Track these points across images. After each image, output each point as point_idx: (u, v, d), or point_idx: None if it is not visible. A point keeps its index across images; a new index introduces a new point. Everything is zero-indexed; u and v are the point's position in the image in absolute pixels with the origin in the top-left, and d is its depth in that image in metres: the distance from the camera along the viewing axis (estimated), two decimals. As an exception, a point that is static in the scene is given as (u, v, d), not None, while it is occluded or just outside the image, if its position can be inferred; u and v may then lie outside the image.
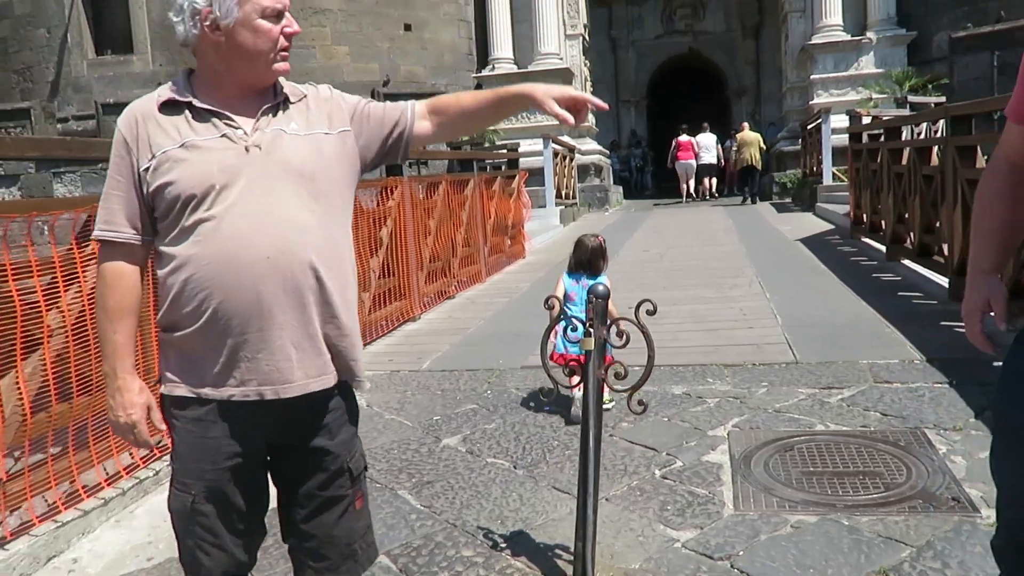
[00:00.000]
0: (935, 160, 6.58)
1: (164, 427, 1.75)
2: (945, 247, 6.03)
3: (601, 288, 2.50)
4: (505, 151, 12.44)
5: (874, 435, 3.40)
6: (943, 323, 5.21)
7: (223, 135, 1.66)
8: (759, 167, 18.00)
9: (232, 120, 1.67)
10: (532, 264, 10.04)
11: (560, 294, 3.99)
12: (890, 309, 5.66)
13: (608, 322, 2.49)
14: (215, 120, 1.67)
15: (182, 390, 1.70)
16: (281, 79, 1.74)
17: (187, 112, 1.67)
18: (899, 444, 3.28)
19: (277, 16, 1.67)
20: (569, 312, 3.52)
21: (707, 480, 3.09)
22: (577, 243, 4.18)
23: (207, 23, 1.63)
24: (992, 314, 1.68)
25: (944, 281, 6.16)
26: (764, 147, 18.08)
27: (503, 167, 11.44)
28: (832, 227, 11.73)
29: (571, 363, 2.59)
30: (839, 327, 5.31)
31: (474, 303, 7.39)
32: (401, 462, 3.50)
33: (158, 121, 1.67)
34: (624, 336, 2.46)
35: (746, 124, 19.30)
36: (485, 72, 19.75)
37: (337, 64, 18.26)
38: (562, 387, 2.63)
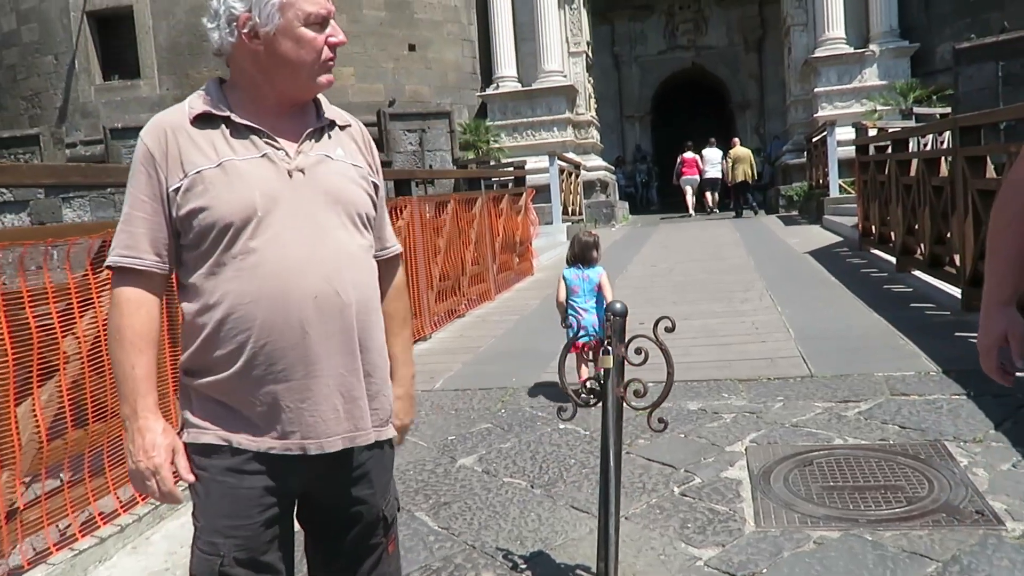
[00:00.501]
0: (944, 171, 6.57)
1: (191, 476, 1.53)
2: (956, 257, 6.00)
3: (619, 306, 2.49)
4: (512, 168, 12.45)
5: (894, 448, 3.38)
6: (957, 334, 5.18)
7: (264, 155, 1.50)
8: (751, 182, 18.83)
9: (274, 140, 1.52)
10: (541, 281, 10.04)
11: (563, 290, 4.59)
12: (903, 321, 5.63)
13: (627, 340, 2.48)
14: (255, 138, 1.51)
15: (210, 437, 1.52)
16: (324, 101, 1.62)
17: (224, 127, 1.51)
18: (919, 457, 3.26)
19: (321, 24, 1.51)
20: (573, 304, 4.44)
21: (727, 497, 3.07)
22: (573, 239, 4.80)
23: (245, 30, 1.48)
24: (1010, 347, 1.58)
25: (956, 292, 6.12)
26: (754, 162, 18.85)
27: (510, 184, 11.48)
28: (840, 239, 11.70)
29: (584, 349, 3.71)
30: (852, 339, 5.29)
31: (484, 321, 7.39)
32: (417, 483, 3.49)
33: (191, 136, 1.50)
34: (643, 353, 2.45)
35: (737, 140, 19.77)
36: (489, 91, 19.84)
37: (342, 85, 18.33)
38: (580, 406, 2.62)
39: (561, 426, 4.00)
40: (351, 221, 1.56)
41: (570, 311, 4.41)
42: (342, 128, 1.64)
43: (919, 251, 7.23)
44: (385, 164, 14.65)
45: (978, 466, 3.12)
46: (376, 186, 1.66)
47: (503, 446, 3.85)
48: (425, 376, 5.31)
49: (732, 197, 19.56)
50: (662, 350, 2.44)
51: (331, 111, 1.63)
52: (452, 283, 7.41)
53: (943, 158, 6.69)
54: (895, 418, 3.72)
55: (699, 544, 2.73)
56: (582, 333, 4.10)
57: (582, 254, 4.56)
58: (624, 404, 2.50)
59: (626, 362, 2.50)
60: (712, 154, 19.68)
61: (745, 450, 3.51)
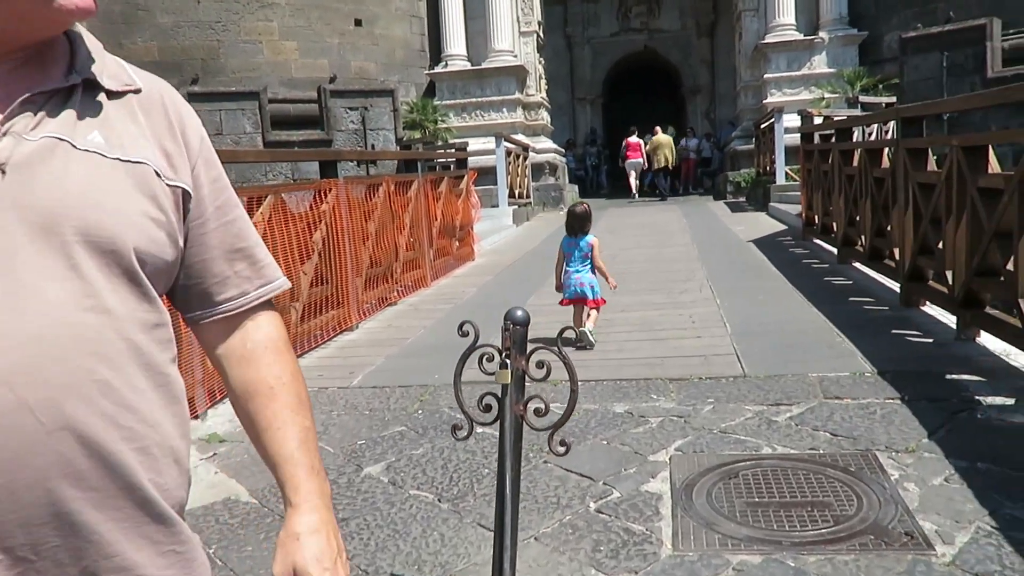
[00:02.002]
0: (886, 162, 6.45)
1: None
2: (896, 251, 5.89)
3: (519, 314, 2.22)
4: (454, 151, 12.12)
5: (823, 459, 3.19)
6: (895, 331, 5.05)
7: None
8: (671, 167, 20.11)
9: None
10: (481, 267, 9.77)
11: (561, 257, 5.41)
12: (841, 316, 5.50)
13: (528, 351, 2.22)
14: None
15: None
16: (89, 44, 0.95)
17: None
18: (849, 470, 3.08)
19: None
20: (567, 268, 5.31)
21: (645, 514, 2.85)
22: (568, 211, 5.48)
23: None
24: None
25: (896, 286, 6.02)
26: (673, 149, 20.03)
27: (452, 167, 11.16)
28: (785, 227, 11.64)
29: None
30: (789, 336, 5.13)
31: (417, 310, 7.10)
32: (316, 495, 3.20)
33: None
34: (545, 367, 2.19)
35: (658, 128, 20.51)
36: (438, 69, 19.40)
37: (285, 60, 17.74)
38: (477, 424, 2.36)
39: (479, 430, 3.74)
40: (98, 267, 0.85)
41: (564, 274, 5.35)
42: (117, 95, 0.95)
43: (860, 243, 7.12)
44: (325, 143, 14.20)
45: (909, 480, 2.95)
46: (187, 195, 0.98)
47: (414, 452, 3.59)
48: (344, 371, 5.02)
49: (682, 180, 20.59)
50: (565, 364, 2.19)
51: (101, 63, 0.94)
52: (384, 270, 7.10)
53: (885, 149, 6.57)
54: (827, 424, 3.54)
55: (610, 570, 2.50)
56: (567, 290, 5.26)
57: (574, 225, 5.34)
58: (524, 424, 2.25)
59: (527, 376, 2.25)
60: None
61: (669, 459, 3.30)
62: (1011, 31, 12.85)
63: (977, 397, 3.72)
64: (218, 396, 4.34)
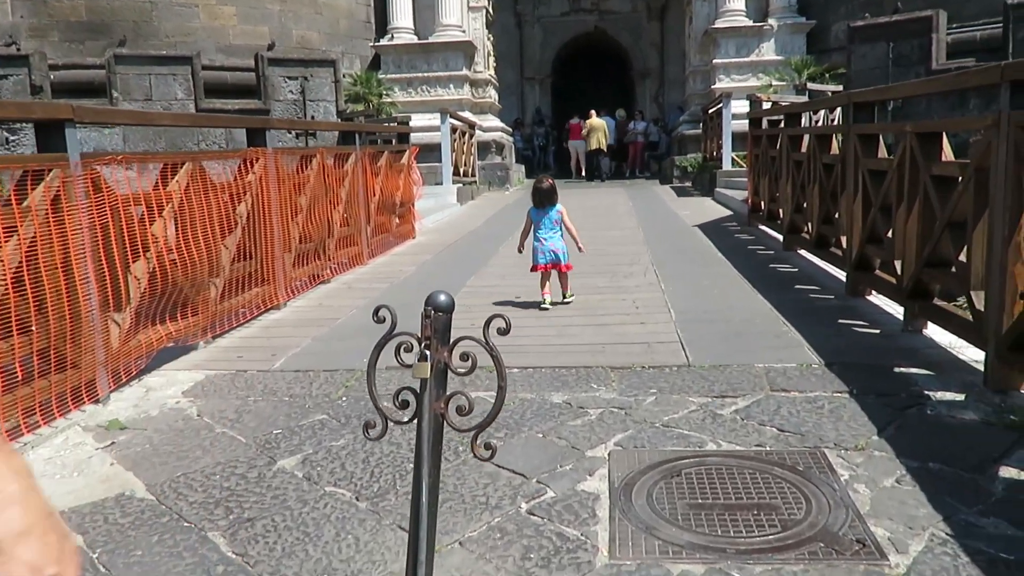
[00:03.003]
0: (835, 148, 6.33)
1: None
2: (843, 239, 5.77)
3: (442, 299, 1.95)
4: (396, 124, 11.73)
5: (770, 457, 3.01)
6: (841, 321, 4.92)
7: None
8: (605, 150, 20.67)
9: None
10: (422, 245, 9.46)
11: (528, 224, 5.69)
12: (787, 304, 5.36)
13: (451, 342, 1.95)
14: None
15: None
16: None
17: None
18: (797, 469, 2.90)
19: None
20: (538, 236, 5.57)
21: (580, 517, 2.62)
22: (534, 188, 5.68)
23: None
24: None
25: (842, 275, 5.92)
26: (607, 132, 20.65)
27: (394, 141, 10.78)
28: (730, 213, 11.58)
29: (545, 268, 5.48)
30: (735, 324, 4.96)
31: (350, 289, 6.76)
32: (222, 492, 2.90)
33: None
34: (470, 360, 1.93)
35: (594, 112, 20.86)
36: (384, 41, 18.89)
37: (222, 26, 17.04)
38: (392, 421, 2.09)
39: (405, 419, 3.47)
40: None
41: (535, 242, 5.57)
42: None
43: (806, 230, 7.02)
44: (262, 113, 13.63)
45: (860, 481, 2.78)
46: None
47: (335, 444, 3.30)
48: (266, 352, 4.69)
49: (586, 163, 21.21)
50: (493, 357, 1.93)
51: None
52: (316, 246, 6.75)
53: (835, 135, 6.45)
54: (773, 419, 3.36)
55: (540, 582, 2.27)
56: (541, 257, 5.53)
57: (542, 200, 5.60)
58: (445, 423, 1.99)
59: (450, 370, 1.98)
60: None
61: (608, 455, 3.08)
62: (954, 25, 12.96)
63: (926, 392, 3.59)
64: (123, 378, 3.98)
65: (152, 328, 4.28)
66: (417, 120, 17.26)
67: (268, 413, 3.68)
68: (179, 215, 4.56)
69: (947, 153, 4.21)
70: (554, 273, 5.66)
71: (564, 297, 5.65)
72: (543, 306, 5.53)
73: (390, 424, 2.07)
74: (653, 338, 4.68)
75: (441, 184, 14.50)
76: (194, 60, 13.09)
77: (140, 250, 4.12)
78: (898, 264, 4.62)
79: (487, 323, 1.91)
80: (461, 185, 15.01)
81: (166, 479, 3.02)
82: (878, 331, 4.65)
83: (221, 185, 5.09)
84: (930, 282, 4.30)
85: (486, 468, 3.00)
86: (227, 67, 15.91)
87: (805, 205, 6.99)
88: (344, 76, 17.06)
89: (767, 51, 17.79)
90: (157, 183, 4.50)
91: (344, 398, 3.85)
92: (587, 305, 5.69)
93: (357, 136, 8.02)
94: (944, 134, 4.27)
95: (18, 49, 14.79)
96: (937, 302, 4.29)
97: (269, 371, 4.33)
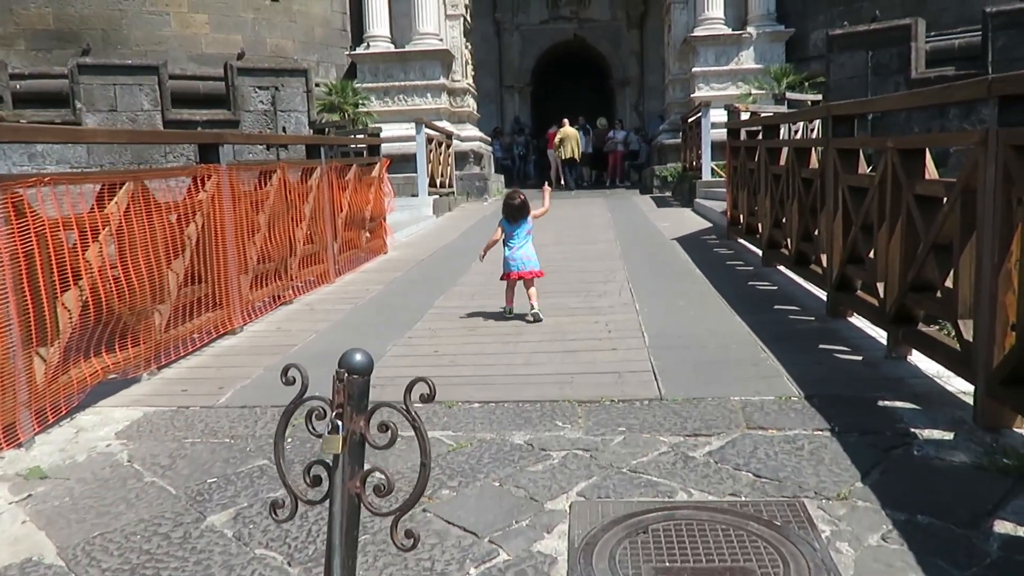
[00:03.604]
0: (814, 162, 6.12)
1: None
2: (824, 257, 5.55)
3: (358, 358, 1.70)
4: (364, 136, 11.46)
5: (745, 509, 2.75)
6: (822, 346, 4.69)
7: None
8: (578, 159, 20.83)
9: None
10: (392, 261, 9.18)
11: (499, 233, 5.80)
12: (766, 327, 5.13)
13: (368, 409, 1.69)
14: None
15: None
16: None
17: None
18: (775, 524, 2.64)
19: None
20: (510, 244, 5.70)
21: (534, 586, 2.36)
22: (505, 203, 5.81)
23: None
24: None
25: (822, 294, 5.70)
26: (579, 142, 20.77)
27: (365, 153, 10.51)
28: (710, 225, 11.38)
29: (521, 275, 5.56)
30: (711, 350, 4.72)
31: (313, 311, 6.47)
32: (140, 556, 2.61)
33: None
34: (390, 431, 1.67)
35: (566, 121, 20.98)
36: (360, 50, 18.63)
37: (194, 34, 16.72)
38: (302, 501, 1.81)
39: (316, 499, 3.20)
40: None
41: (507, 251, 5.71)
42: None
43: (786, 246, 6.81)
44: (231, 124, 13.31)
45: (842, 538, 2.53)
46: None
47: (272, 494, 3.02)
48: (213, 385, 4.40)
49: (561, 172, 21.13)
50: (416, 429, 1.67)
51: None
52: (276, 266, 6.46)
53: (813, 149, 6.25)
54: (749, 462, 3.11)
55: (484, 672, 2.00)
56: (513, 264, 5.64)
57: (514, 216, 5.71)
58: (362, 504, 1.72)
59: (367, 442, 1.72)
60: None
61: (569, 508, 2.81)
62: (932, 33, 12.85)
63: (913, 429, 3.35)
64: (51, 418, 3.68)
65: (86, 362, 3.98)
66: (393, 130, 17.00)
67: (205, 459, 3.39)
68: (118, 239, 4.27)
69: (931, 171, 4.00)
70: (519, 285, 5.76)
71: (532, 308, 5.59)
72: (506, 315, 5.69)
73: (297, 507, 1.81)
74: (625, 367, 4.43)
75: (417, 196, 14.23)
76: (160, 69, 12.75)
77: (71, 278, 3.83)
78: (880, 286, 4.40)
79: (408, 389, 1.65)
80: (438, 196, 14.75)
81: (81, 540, 2.72)
82: (860, 358, 4.42)
83: (167, 205, 4.80)
84: (914, 307, 4.07)
85: (434, 525, 2.73)
86: (199, 76, 15.57)
87: (784, 220, 6.78)
88: (319, 85, 16.77)
89: (746, 59, 17.67)
90: (93, 205, 4.20)
91: (290, 439, 3.57)
92: (558, 328, 5.44)
93: (322, 149, 7.73)
94: (928, 150, 4.06)
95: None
96: (922, 328, 4.06)
97: (213, 407, 4.04)
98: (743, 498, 2.84)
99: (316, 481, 1.74)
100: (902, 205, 4.04)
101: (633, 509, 2.79)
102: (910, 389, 3.84)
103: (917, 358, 4.22)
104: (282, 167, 6.61)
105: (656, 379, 4.17)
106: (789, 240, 6.59)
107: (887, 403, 3.68)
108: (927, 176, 3.96)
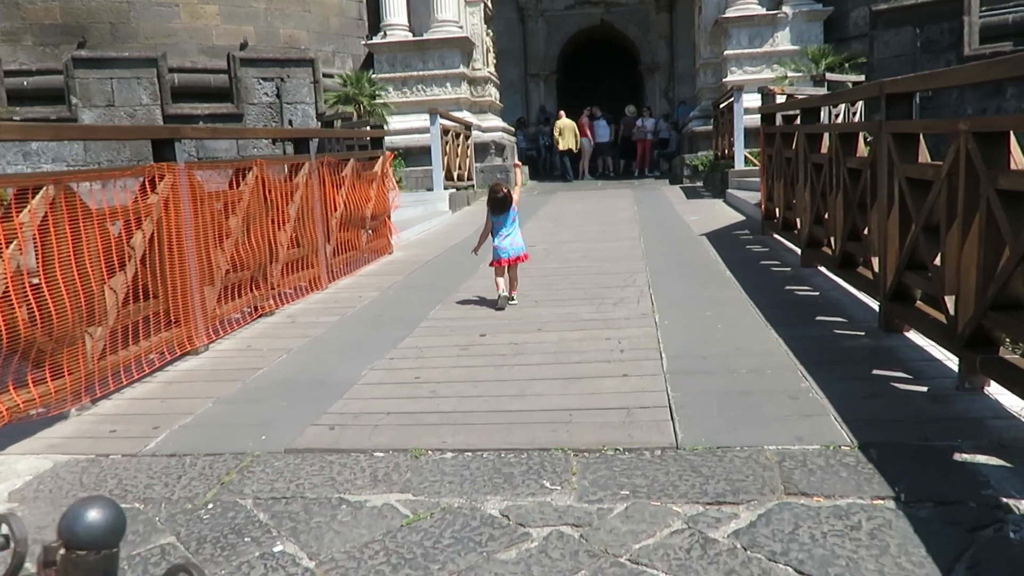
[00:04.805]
0: (862, 150, 5.30)
1: None
2: (875, 261, 4.74)
3: (91, 519, 0.98)
4: (368, 128, 10.78)
5: (784, 631, 2.01)
6: (876, 371, 3.89)
7: None
8: (575, 150, 20.62)
9: None
10: (396, 263, 8.49)
11: (489, 225, 5.97)
12: (807, 345, 4.34)
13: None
14: None
15: None
16: None
17: None
18: (826, 659, 1.89)
19: None
20: (499, 233, 5.84)
21: None
22: (490, 198, 5.96)
23: None
24: None
25: (873, 303, 4.90)
26: (577, 133, 20.55)
27: (371, 146, 9.83)
28: (743, 218, 10.54)
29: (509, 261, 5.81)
30: (740, 377, 3.94)
31: (294, 323, 5.81)
32: None
33: None
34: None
35: (563, 112, 21.01)
36: (376, 39, 17.93)
37: (205, 25, 16.15)
38: None
39: (276, 548, 2.51)
40: None
41: (496, 240, 5.86)
42: None
43: (829, 245, 5.98)
44: (235, 118, 12.72)
45: None
46: None
47: (164, 595, 2.33)
48: (148, 423, 3.73)
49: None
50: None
51: None
52: (254, 274, 5.80)
53: (861, 134, 5.42)
54: (789, 549, 2.36)
55: None
56: (502, 252, 5.78)
57: (500, 208, 5.88)
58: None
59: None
60: (598, 123, 21.41)
61: (544, 624, 2.09)
62: (985, 8, 11.83)
63: (1004, 499, 2.57)
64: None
65: (-11, 402, 3.33)
66: (411, 121, 16.35)
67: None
68: (37, 254, 3.62)
69: (1017, 159, 3.18)
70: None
71: (510, 296, 5.84)
72: (499, 305, 5.74)
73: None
74: (636, 400, 3.68)
75: (432, 190, 13.54)
76: (160, 62, 12.19)
77: (-38, 304, 3.18)
78: (949, 301, 3.60)
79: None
80: (454, 190, 14.04)
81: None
82: (925, 388, 3.62)
83: (104, 212, 4.14)
84: (996, 329, 3.27)
85: (359, 651, 2.02)
86: (211, 69, 15.03)
87: (826, 216, 5.95)
88: (333, 76, 16.14)
89: (782, 41, 16.67)
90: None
91: (211, 504, 2.88)
92: (563, 346, 4.70)
93: (311, 143, 7.05)
94: (1011, 134, 3.24)
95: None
96: (1006, 356, 3.26)
97: (137, 455, 3.37)
98: (781, 611, 2.09)
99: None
100: (980, 202, 3.24)
101: (629, 629, 2.06)
102: (994, 435, 3.04)
103: (996, 389, 3.42)
104: (259, 164, 5.93)
105: (673, 418, 3.41)
106: (832, 239, 5.77)
107: (965, 456, 2.89)
108: (1013, 166, 3.15)
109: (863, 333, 4.59)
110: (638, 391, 3.80)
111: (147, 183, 4.60)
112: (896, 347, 4.26)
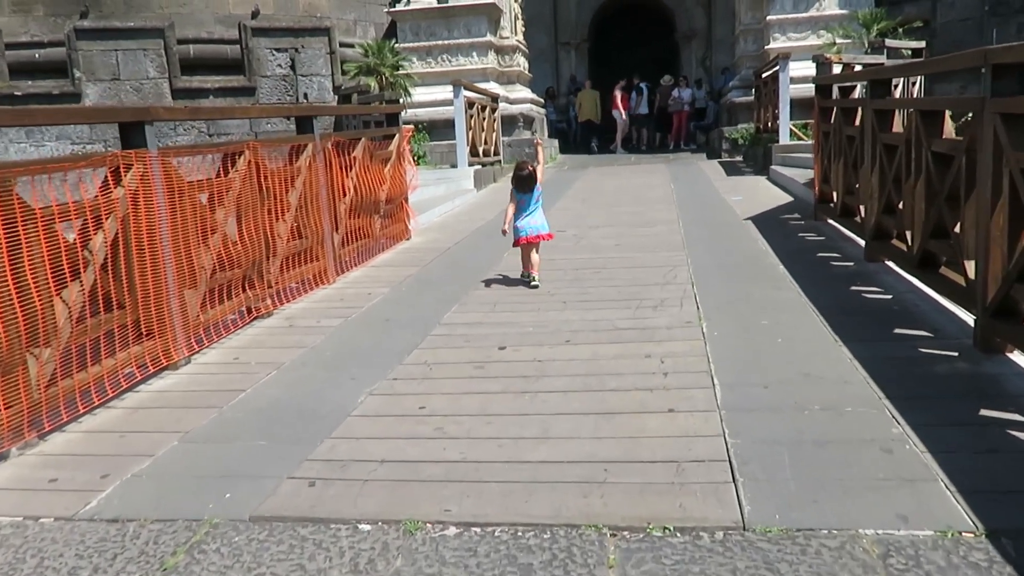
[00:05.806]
0: (949, 130, 4.49)
1: None
2: (969, 267, 3.97)
3: None
4: (382, 104, 10.06)
5: None
6: (985, 411, 3.14)
7: None
8: (597, 121, 20.31)
9: None
10: (413, 250, 7.82)
11: (512, 206, 5.95)
12: (889, 370, 3.60)
13: None
14: None
15: None
16: None
17: None
18: None
19: None
20: (523, 213, 5.91)
21: None
22: (514, 176, 5.96)
23: None
24: None
25: (965, 315, 4.13)
26: (598, 103, 20.31)
27: (387, 123, 9.12)
28: (790, 199, 9.70)
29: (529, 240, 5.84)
30: (814, 416, 3.22)
31: (292, 328, 5.16)
32: None
33: None
34: None
35: (588, 83, 21.04)
36: (400, 7, 17.11)
37: (221, -7, 15.45)
38: None
39: None
40: None
41: (518, 220, 5.86)
42: None
43: (903, 239, 5.19)
44: (247, 91, 12.06)
45: None
46: None
47: None
48: (94, 472, 3.10)
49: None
50: None
51: None
52: (248, 271, 5.16)
53: (948, 113, 4.61)
54: None
55: None
56: (523, 231, 5.82)
57: (523, 186, 5.88)
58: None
59: None
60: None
61: None
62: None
63: None
64: None
65: None
66: (436, 93, 15.60)
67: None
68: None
69: None
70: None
71: (533, 278, 5.76)
72: (532, 284, 5.73)
73: None
74: (686, 449, 2.97)
75: (455, 167, 12.83)
76: (167, 32, 11.52)
77: None
78: (1087, 329, 2.84)
79: None
80: (480, 167, 13.31)
81: None
82: (1055, 439, 2.88)
83: (53, 210, 3.50)
84: None
85: None
86: (227, 40, 14.37)
87: (901, 206, 5.16)
88: (354, 46, 15.40)
89: (829, 4, 15.60)
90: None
91: (143, 605, 2.24)
92: (595, 366, 4.00)
93: (314, 122, 6.36)
94: None
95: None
96: None
97: (73, 519, 2.74)
98: None
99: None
100: None
101: None
102: None
103: None
104: (252, 147, 5.26)
105: (735, 480, 2.70)
106: (910, 234, 4.98)
107: None
108: None
109: (956, 354, 3.83)
110: (688, 435, 3.10)
111: (109, 175, 3.95)
112: (1002, 375, 3.50)
